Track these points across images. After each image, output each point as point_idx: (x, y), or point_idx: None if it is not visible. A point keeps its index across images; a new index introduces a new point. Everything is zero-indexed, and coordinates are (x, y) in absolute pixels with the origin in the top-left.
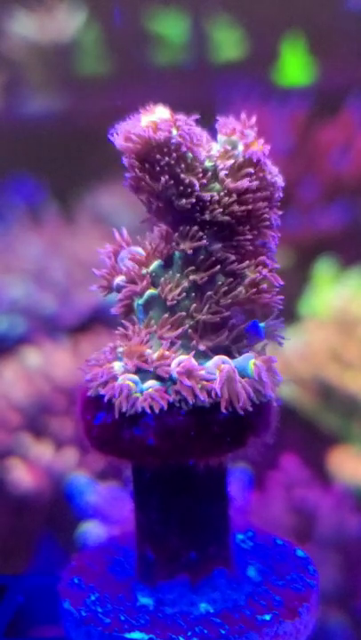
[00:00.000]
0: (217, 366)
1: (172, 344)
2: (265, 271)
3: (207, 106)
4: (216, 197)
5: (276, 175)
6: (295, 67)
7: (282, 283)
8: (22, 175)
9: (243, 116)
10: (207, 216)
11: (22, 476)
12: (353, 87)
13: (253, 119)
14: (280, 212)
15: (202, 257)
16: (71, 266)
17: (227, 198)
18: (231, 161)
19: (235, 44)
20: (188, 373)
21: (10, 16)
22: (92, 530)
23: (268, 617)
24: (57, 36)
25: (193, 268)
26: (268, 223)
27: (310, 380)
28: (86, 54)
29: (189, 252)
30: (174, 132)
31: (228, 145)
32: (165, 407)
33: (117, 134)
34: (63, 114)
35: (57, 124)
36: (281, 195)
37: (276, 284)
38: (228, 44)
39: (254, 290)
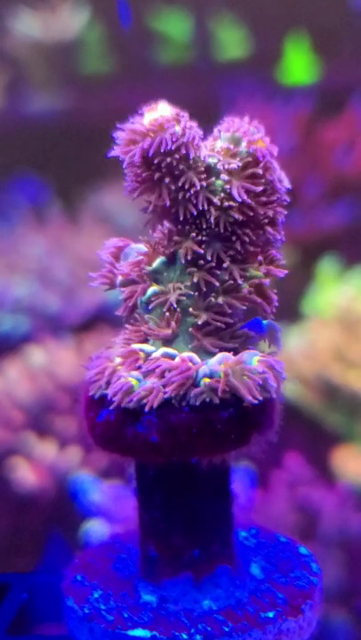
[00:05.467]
0: (221, 363)
1: (174, 342)
2: (268, 270)
3: (211, 105)
4: (217, 198)
5: (280, 173)
6: (299, 66)
7: (282, 275)
8: (26, 174)
9: (247, 117)
10: (209, 215)
11: (26, 475)
12: (357, 86)
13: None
14: (285, 212)
15: (204, 255)
16: (75, 265)
17: (227, 199)
18: (235, 158)
19: (238, 42)
20: (189, 370)
21: (13, 15)
22: (96, 528)
23: (271, 614)
24: (60, 34)
25: (195, 266)
26: (269, 222)
27: (314, 379)
28: (90, 53)
29: (191, 251)
30: (176, 129)
31: (231, 142)
32: (161, 401)
33: (120, 134)
34: (67, 112)
35: (60, 123)
36: (286, 192)
37: (279, 278)
38: (232, 42)
39: (256, 288)
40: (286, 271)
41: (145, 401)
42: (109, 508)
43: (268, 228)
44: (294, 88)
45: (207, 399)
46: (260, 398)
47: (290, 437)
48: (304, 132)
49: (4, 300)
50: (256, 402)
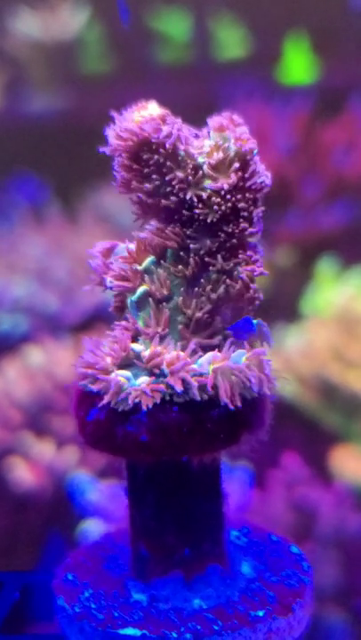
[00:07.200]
0: (210, 362)
1: (164, 340)
2: (253, 267)
3: (210, 104)
4: (204, 195)
5: (263, 171)
6: (299, 65)
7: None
8: (25, 174)
9: (232, 114)
10: (198, 213)
11: (24, 475)
12: (356, 86)
13: (239, 117)
14: (263, 209)
15: (192, 253)
16: (74, 265)
17: (215, 196)
18: (221, 155)
19: (238, 42)
20: (180, 367)
21: (13, 14)
22: (93, 528)
23: (261, 613)
24: (60, 34)
25: (184, 264)
26: (253, 219)
27: (312, 379)
28: (89, 52)
29: (180, 249)
30: (165, 128)
31: (219, 140)
32: (158, 401)
33: (110, 133)
34: (66, 112)
35: (60, 123)
36: (266, 191)
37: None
38: (232, 42)
39: (243, 285)
40: (265, 272)
41: (137, 400)
42: (106, 507)
43: (247, 225)
44: (294, 88)
45: (197, 397)
46: (239, 404)
47: (288, 437)
48: (303, 132)
49: (3, 300)
50: (232, 407)
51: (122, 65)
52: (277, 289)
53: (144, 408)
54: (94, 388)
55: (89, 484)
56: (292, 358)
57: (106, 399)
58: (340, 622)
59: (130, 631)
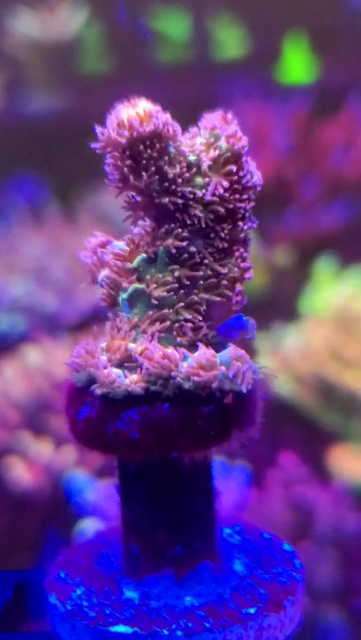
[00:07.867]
0: (199, 359)
1: (155, 338)
2: (241, 267)
3: (209, 104)
4: (199, 194)
5: (254, 169)
6: (297, 65)
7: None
8: (24, 174)
9: (224, 112)
10: (190, 212)
11: (22, 474)
12: (355, 86)
13: (231, 115)
14: (252, 204)
15: (185, 252)
16: (72, 264)
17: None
18: (214, 154)
19: (237, 42)
20: (170, 364)
21: (12, 14)
22: (91, 527)
23: (252, 610)
24: (59, 34)
25: (177, 263)
26: (242, 218)
27: (310, 378)
28: (88, 52)
29: (173, 248)
30: (156, 125)
31: (211, 138)
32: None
33: (100, 130)
34: (65, 112)
35: (59, 123)
36: (258, 190)
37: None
38: (231, 42)
39: (234, 285)
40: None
41: (130, 389)
42: (104, 507)
43: (241, 225)
44: (292, 87)
45: (186, 388)
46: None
47: (285, 436)
48: (302, 131)
49: (1, 300)
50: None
51: (121, 65)
52: (276, 288)
53: (136, 390)
54: (84, 377)
55: (87, 483)
56: (291, 358)
57: (98, 391)
58: (338, 622)
59: (121, 629)
